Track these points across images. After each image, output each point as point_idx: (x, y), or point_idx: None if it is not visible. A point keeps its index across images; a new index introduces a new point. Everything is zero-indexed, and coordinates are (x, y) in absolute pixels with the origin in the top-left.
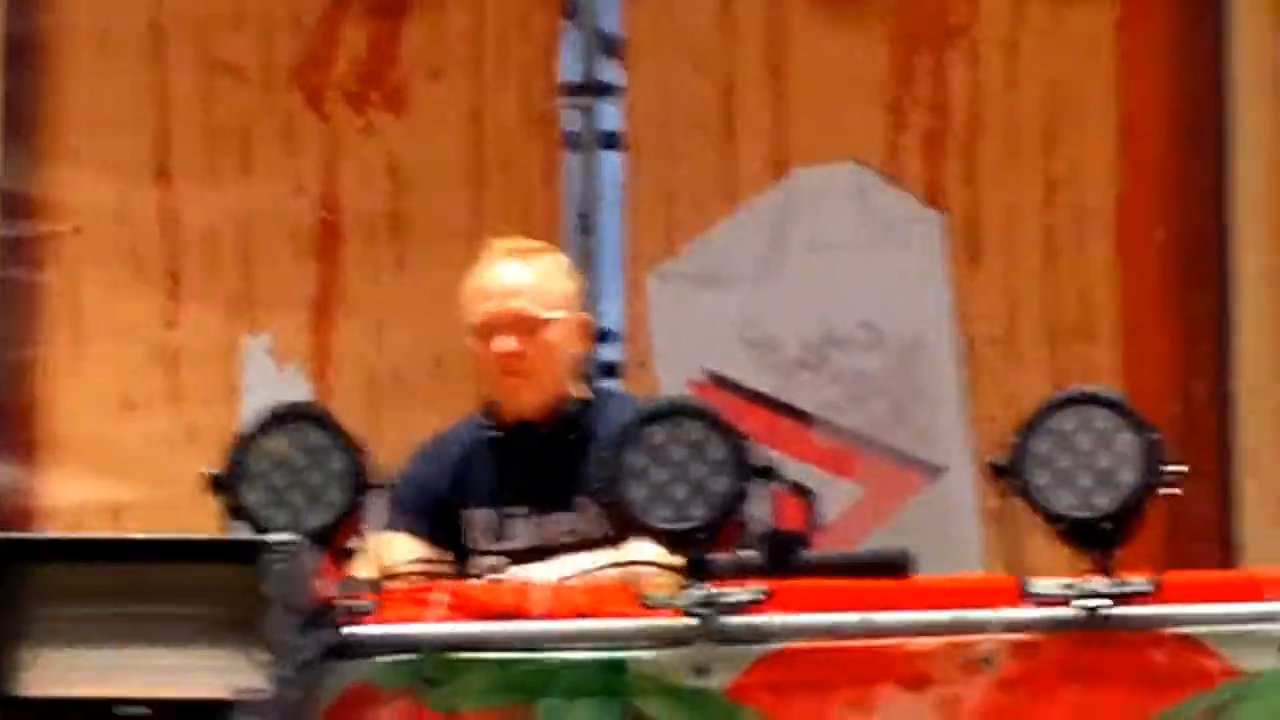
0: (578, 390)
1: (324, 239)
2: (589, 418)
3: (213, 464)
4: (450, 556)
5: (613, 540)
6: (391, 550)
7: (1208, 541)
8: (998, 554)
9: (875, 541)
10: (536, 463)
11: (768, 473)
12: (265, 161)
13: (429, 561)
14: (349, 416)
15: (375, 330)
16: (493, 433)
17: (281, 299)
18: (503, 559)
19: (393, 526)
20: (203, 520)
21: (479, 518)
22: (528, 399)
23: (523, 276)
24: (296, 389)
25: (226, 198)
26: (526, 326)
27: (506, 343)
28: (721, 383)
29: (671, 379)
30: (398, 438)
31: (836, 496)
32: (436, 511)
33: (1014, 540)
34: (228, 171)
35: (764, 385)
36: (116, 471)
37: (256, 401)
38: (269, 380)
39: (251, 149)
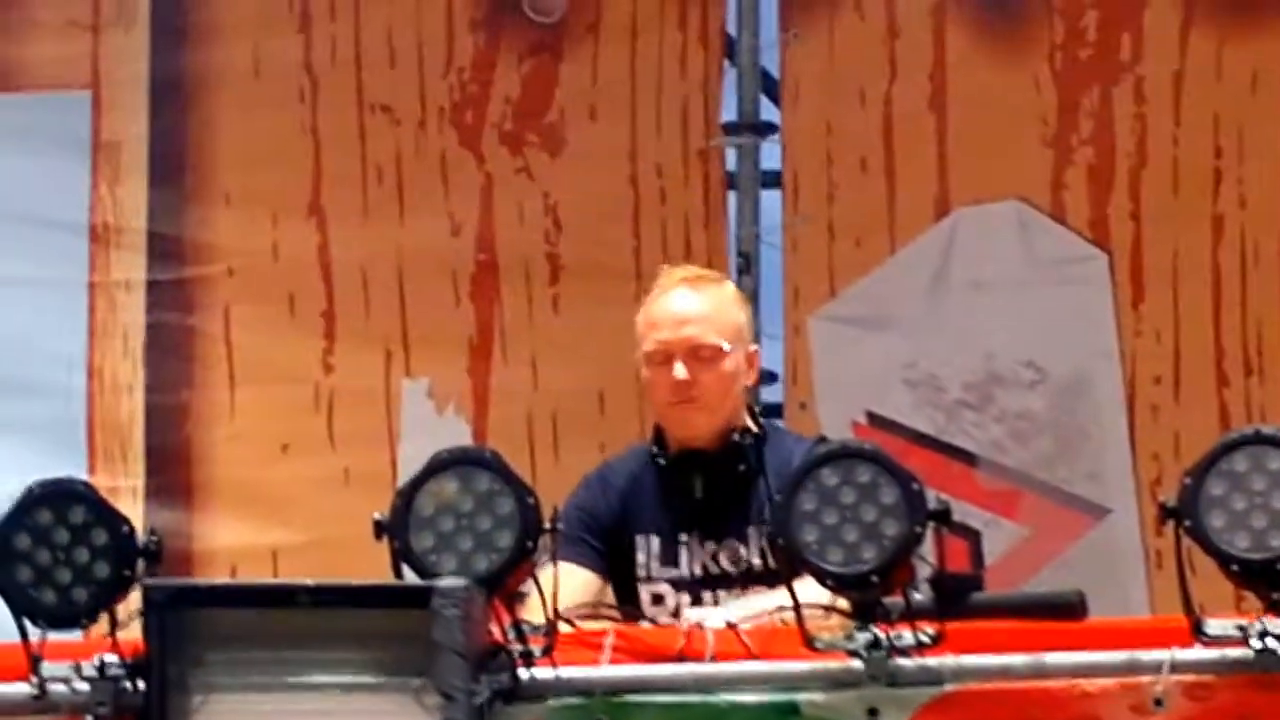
0: (746, 421)
1: (480, 280)
2: (758, 449)
3: (379, 510)
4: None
5: (779, 573)
6: (560, 584)
7: None
8: (1164, 595)
9: (1040, 583)
10: (705, 491)
11: (939, 516)
12: (419, 202)
13: (598, 604)
14: (508, 458)
15: (533, 372)
16: (662, 460)
17: (438, 340)
18: (668, 586)
19: (560, 558)
20: (359, 562)
21: (648, 544)
22: (699, 427)
23: (697, 305)
24: (455, 431)
25: (381, 239)
26: (700, 355)
27: (680, 370)
28: (883, 423)
29: (833, 420)
30: (558, 479)
31: (1000, 537)
32: (604, 539)
33: (1182, 581)
34: (382, 212)
35: (926, 426)
36: (273, 515)
37: (415, 445)
38: (427, 423)
39: (405, 189)
